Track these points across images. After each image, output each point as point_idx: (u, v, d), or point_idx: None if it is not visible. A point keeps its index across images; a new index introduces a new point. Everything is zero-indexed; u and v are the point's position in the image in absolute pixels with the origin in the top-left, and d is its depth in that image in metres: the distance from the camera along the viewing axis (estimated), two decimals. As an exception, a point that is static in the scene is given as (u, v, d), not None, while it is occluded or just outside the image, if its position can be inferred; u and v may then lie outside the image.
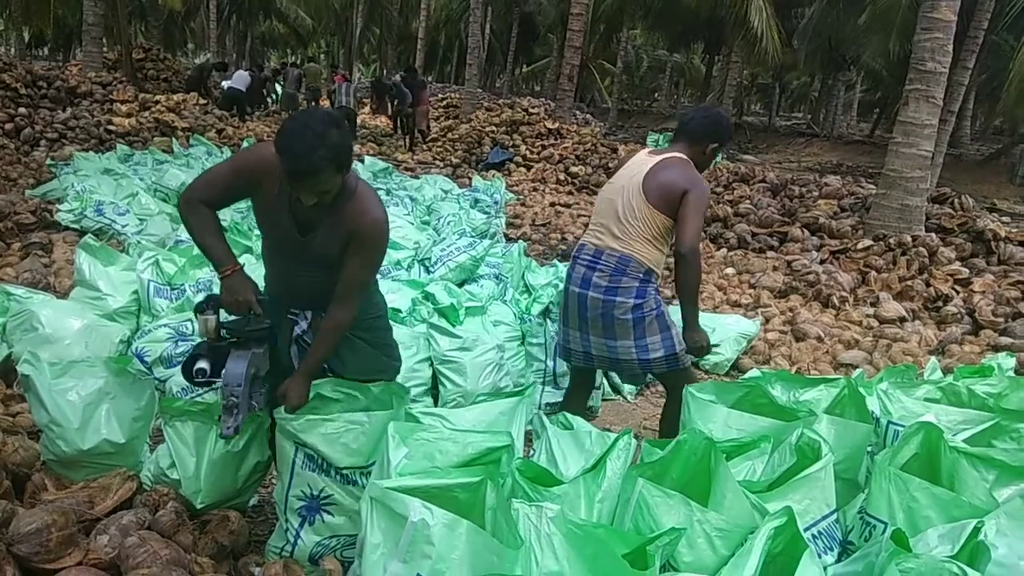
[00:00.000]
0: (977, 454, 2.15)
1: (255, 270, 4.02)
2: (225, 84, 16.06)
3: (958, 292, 5.94)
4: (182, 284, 3.97)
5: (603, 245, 2.96)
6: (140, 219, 6.04)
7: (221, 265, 2.20)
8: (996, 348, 4.98)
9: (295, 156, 1.94)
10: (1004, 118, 21.03)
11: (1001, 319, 5.43)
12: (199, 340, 2.27)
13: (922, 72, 6.92)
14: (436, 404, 3.45)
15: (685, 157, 2.94)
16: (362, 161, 9.47)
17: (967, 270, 6.24)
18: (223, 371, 2.13)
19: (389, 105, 16.71)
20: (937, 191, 8.10)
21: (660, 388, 4.34)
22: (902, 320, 5.49)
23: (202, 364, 2.18)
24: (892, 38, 15.87)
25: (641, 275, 2.90)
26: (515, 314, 4.09)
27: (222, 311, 2.23)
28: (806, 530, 1.96)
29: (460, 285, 4.72)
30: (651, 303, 2.92)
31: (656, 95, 45.92)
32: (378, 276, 4.94)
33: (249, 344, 2.19)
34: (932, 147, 7.32)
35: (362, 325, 2.37)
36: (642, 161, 2.99)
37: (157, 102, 12.09)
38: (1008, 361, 3.21)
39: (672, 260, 2.96)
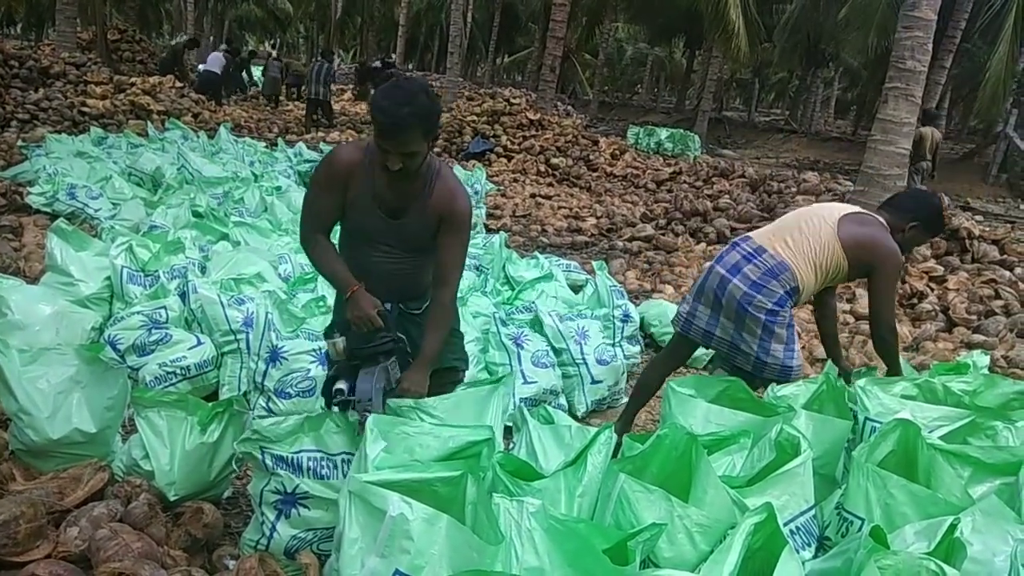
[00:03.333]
0: (953, 451, 2.17)
1: (232, 257, 3.96)
2: (201, 67, 15.79)
3: (933, 290, 6.01)
4: (156, 271, 3.90)
5: (769, 245, 3.01)
6: (114, 203, 5.93)
7: (345, 287, 2.28)
8: (969, 345, 5.05)
9: (385, 111, 2.07)
10: (979, 118, 21.31)
11: (974, 317, 5.50)
12: (335, 362, 2.34)
13: (902, 70, 6.97)
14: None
15: (883, 223, 3.00)
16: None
17: (942, 268, 6.31)
18: (357, 391, 2.20)
19: (372, 92, 16.53)
20: (913, 189, 8.19)
21: (639, 381, 4.35)
22: (878, 316, 5.54)
23: (340, 385, 2.25)
24: (871, 34, 15.99)
25: (789, 287, 2.94)
26: (495, 305, 4.08)
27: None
28: (785, 525, 1.96)
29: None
30: (786, 315, 2.98)
31: (637, 88, 46.00)
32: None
33: (377, 358, 2.25)
34: (910, 145, 7.39)
35: None
36: (842, 206, 3.09)
37: (132, 84, 11.87)
38: (983, 359, 3.25)
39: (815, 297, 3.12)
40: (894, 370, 3.10)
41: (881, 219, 3.02)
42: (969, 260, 6.61)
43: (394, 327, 2.30)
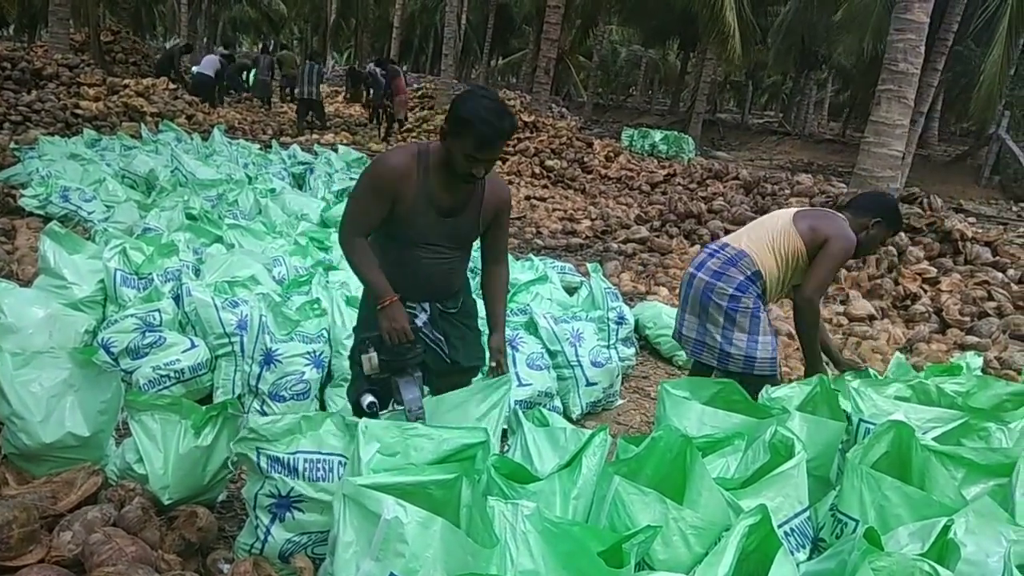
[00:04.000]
0: (947, 452, 2.18)
1: (226, 259, 3.96)
2: (195, 69, 15.74)
3: (926, 291, 6.03)
4: (150, 273, 3.89)
5: (731, 240, 3.18)
6: (107, 206, 5.90)
7: (382, 296, 2.33)
8: (962, 347, 5.07)
9: (491, 125, 2.18)
10: (973, 120, 21.40)
11: (967, 318, 5.52)
12: (365, 376, 2.38)
13: (894, 72, 7.01)
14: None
15: (841, 216, 3.10)
16: (335, 150, 9.37)
17: (935, 269, 6.34)
18: (404, 400, 2.30)
19: (365, 94, 16.50)
20: (906, 191, 8.20)
21: (634, 384, 4.36)
22: (871, 318, 5.56)
23: (371, 399, 2.35)
24: (866, 37, 16.04)
25: (749, 272, 3.02)
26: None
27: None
28: (779, 527, 1.96)
29: (434, 278, 4.69)
30: (749, 302, 3.02)
31: (631, 90, 46.08)
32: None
33: (407, 370, 2.34)
34: (903, 147, 7.44)
35: (471, 312, 2.66)
36: (804, 207, 3.29)
37: (126, 86, 11.85)
38: (976, 360, 3.26)
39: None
40: (811, 362, 3.13)
41: (840, 215, 3.12)
42: (962, 262, 6.64)
43: (417, 342, 2.37)
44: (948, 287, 6.01)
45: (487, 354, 2.62)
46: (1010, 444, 2.37)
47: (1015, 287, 6.19)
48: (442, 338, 2.50)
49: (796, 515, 2.06)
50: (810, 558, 2.05)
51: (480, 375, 2.70)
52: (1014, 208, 15.47)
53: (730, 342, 3.03)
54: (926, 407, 2.57)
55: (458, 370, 2.57)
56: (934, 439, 2.30)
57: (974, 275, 6.25)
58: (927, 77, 11.16)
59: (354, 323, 3.35)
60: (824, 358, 3.21)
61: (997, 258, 6.68)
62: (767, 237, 3.07)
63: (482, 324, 2.70)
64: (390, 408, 2.42)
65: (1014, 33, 14.20)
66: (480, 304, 2.70)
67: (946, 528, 1.75)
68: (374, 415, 2.34)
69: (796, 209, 3.19)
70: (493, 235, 2.55)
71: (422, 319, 2.49)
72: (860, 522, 1.98)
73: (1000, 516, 1.85)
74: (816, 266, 2.98)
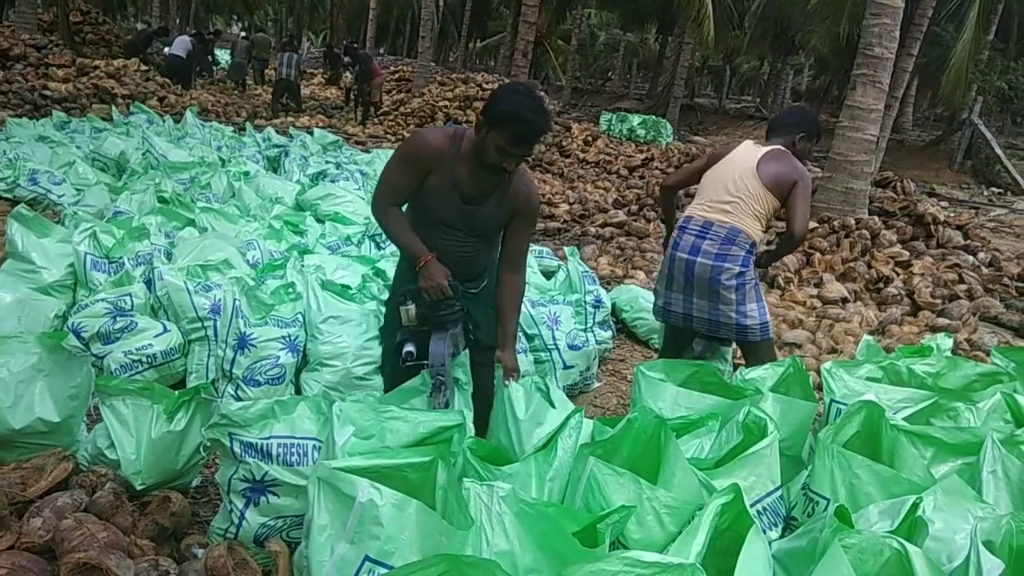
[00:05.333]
0: (916, 432, 2.22)
1: (199, 243, 3.91)
2: (167, 51, 15.47)
3: (898, 274, 6.11)
4: (121, 257, 3.83)
5: (712, 218, 3.19)
6: (77, 189, 5.81)
7: (418, 256, 2.38)
8: (934, 329, 5.14)
9: (532, 124, 2.22)
10: (943, 104, 21.64)
11: (939, 301, 5.61)
12: (404, 327, 2.45)
13: (869, 57, 7.05)
14: (386, 382, 3.40)
15: (785, 149, 3.24)
16: (311, 133, 9.26)
17: (907, 253, 6.42)
18: (431, 354, 2.34)
19: (346, 76, 16.31)
20: (880, 175, 8.30)
21: (611, 367, 4.38)
22: (844, 301, 5.63)
23: (409, 348, 2.40)
24: (843, 21, 16.12)
25: (747, 246, 3.15)
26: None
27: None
28: (752, 506, 1.99)
29: (411, 262, 4.67)
30: (751, 273, 3.18)
31: (610, 75, 45.98)
32: (327, 251, 4.84)
33: (445, 326, 2.39)
34: (877, 131, 7.49)
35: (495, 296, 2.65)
36: (750, 150, 3.28)
37: (96, 67, 11.62)
38: (946, 342, 3.31)
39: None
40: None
41: (782, 147, 3.25)
42: (934, 245, 6.73)
43: (460, 296, 2.41)
44: (920, 270, 6.09)
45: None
46: (978, 424, 2.41)
47: (985, 270, 6.30)
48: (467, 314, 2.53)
49: (768, 494, 2.08)
50: (782, 536, 2.08)
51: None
52: (985, 192, 15.70)
53: (745, 315, 3.15)
54: (897, 387, 2.61)
55: (480, 347, 2.62)
56: (904, 419, 2.33)
57: (946, 258, 6.35)
58: (902, 62, 11.26)
59: (329, 309, 3.36)
60: None
61: (968, 241, 6.79)
62: (747, 207, 3.15)
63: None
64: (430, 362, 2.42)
65: (983, 18, 14.36)
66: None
67: (915, 506, 1.78)
68: (413, 365, 2.39)
69: (753, 160, 3.19)
70: (511, 237, 2.55)
71: None
72: (831, 500, 2.01)
73: (967, 494, 1.89)
74: (796, 207, 3.13)
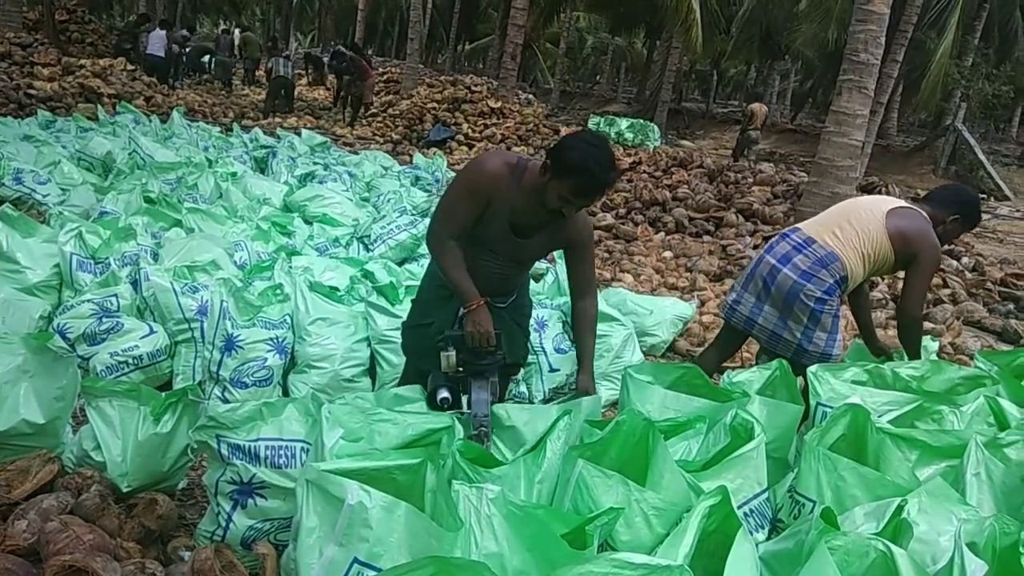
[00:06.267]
0: (901, 435, 2.24)
1: (185, 244, 3.89)
2: (146, 52, 15.34)
3: (883, 278, 6.15)
4: (106, 258, 3.80)
5: (817, 236, 3.09)
6: (63, 189, 5.75)
7: (469, 299, 2.34)
8: (917, 332, 5.18)
9: (598, 178, 2.19)
10: (922, 109, 21.85)
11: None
12: (439, 373, 2.41)
13: (855, 63, 7.10)
14: (374, 385, 3.40)
15: (928, 217, 3.06)
16: (299, 134, 9.23)
17: (892, 257, 6.47)
18: (471, 402, 2.30)
19: (337, 79, 16.23)
20: (866, 180, 8.38)
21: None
22: (830, 304, 5.66)
23: (444, 394, 2.34)
24: (831, 27, 16.24)
25: (839, 276, 3.02)
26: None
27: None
28: (739, 508, 2.00)
29: (400, 264, 4.67)
30: (834, 304, 3.05)
31: (598, 78, 46.10)
32: (315, 253, 4.82)
33: (485, 374, 2.35)
34: (863, 136, 7.54)
35: (523, 311, 2.68)
36: (889, 199, 3.16)
37: (82, 66, 11.54)
38: (932, 345, 3.34)
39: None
40: (914, 358, 3.19)
41: (924, 213, 3.07)
42: (918, 250, 6.77)
43: (502, 346, 2.39)
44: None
45: (528, 354, 2.65)
46: (962, 427, 2.44)
47: (969, 275, 6.36)
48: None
49: (755, 496, 2.10)
50: (769, 538, 2.10)
51: (521, 371, 2.75)
52: (969, 198, 15.82)
53: (810, 340, 3.06)
54: (882, 391, 2.63)
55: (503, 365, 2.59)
56: (889, 422, 2.36)
57: (929, 263, 6.39)
58: (887, 68, 11.35)
59: (317, 311, 3.35)
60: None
61: (952, 247, 6.84)
62: (858, 240, 3.03)
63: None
64: (464, 409, 2.38)
65: (962, 24, 14.51)
66: (539, 311, 2.70)
67: (900, 508, 1.80)
68: (447, 410, 2.33)
69: (887, 207, 3.07)
70: (575, 268, 2.56)
71: None
72: (817, 502, 2.03)
73: (952, 496, 1.91)
74: (914, 283, 3.02)
